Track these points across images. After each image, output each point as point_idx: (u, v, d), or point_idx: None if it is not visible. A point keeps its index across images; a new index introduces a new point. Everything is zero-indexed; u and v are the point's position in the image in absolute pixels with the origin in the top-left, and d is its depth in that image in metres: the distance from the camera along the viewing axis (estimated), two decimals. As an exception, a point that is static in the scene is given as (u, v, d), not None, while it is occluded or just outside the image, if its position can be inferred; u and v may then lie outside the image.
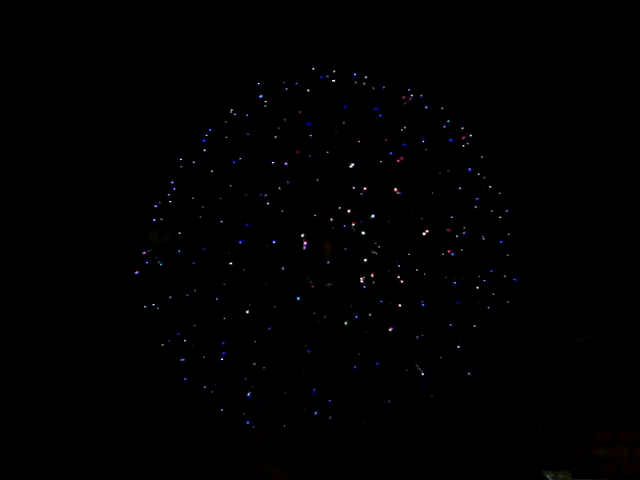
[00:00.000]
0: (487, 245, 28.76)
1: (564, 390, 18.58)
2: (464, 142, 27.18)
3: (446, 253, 28.03)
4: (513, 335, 28.42)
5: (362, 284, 27.80)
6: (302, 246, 29.02)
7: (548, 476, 18.81)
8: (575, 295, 19.85)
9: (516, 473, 20.73)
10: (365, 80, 28.65)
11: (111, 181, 33.79)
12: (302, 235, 28.57)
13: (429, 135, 28.60)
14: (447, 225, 28.18)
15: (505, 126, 31.09)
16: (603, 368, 18.22)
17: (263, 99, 27.84)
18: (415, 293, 29.14)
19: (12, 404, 25.55)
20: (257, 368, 29.49)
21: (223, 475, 22.62)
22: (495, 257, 27.97)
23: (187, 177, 31.24)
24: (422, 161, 27.24)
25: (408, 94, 29.41)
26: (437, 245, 28.30)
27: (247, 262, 29.63)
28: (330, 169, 28.16)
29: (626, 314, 18.18)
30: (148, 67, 33.68)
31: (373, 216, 26.84)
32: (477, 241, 27.60)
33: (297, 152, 26.63)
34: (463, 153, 27.68)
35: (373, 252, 28.65)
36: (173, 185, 29.93)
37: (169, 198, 31.51)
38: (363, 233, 27.29)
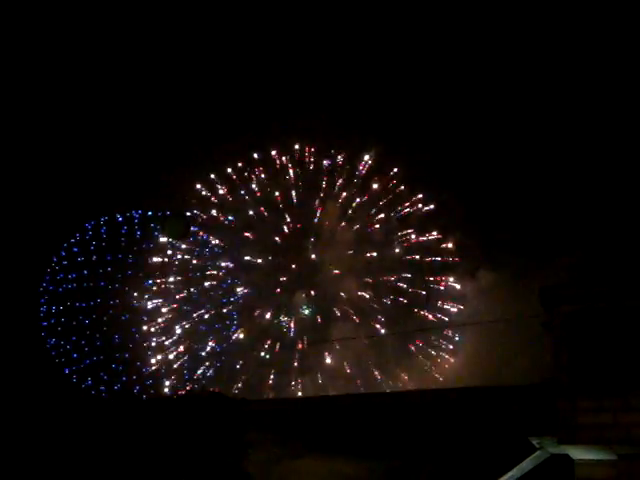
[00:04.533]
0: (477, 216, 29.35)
1: (550, 357, 18.82)
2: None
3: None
4: (500, 304, 28.73)
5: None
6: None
7: (534, 442, 19.08)
8: (562, 265, 20.08)
9: (503, 439, 21.03)
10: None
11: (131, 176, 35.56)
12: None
13: None
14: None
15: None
16: (589, 336, 18.44)
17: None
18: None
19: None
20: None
21: (214, 444, 22.91)
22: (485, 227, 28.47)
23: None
24: None
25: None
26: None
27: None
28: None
29: (612, 283, 18.38)
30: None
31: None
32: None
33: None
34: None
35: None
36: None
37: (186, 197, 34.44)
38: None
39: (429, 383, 40.73)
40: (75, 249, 44.07)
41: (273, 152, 42.83)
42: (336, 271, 37.47)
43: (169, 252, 42.12)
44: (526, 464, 19.45)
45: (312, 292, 39.47)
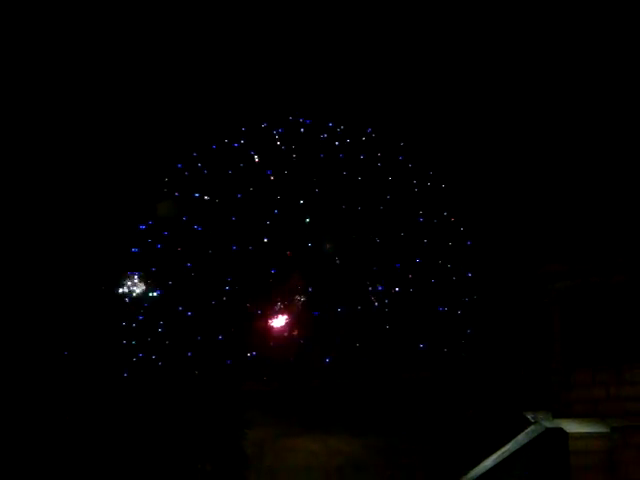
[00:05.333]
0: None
1: (544, 333, 19.07)
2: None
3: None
4: (496, 281, 28.99)
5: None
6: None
7: (529, 416, 19.34)
8: (555, 241, 20.29)
9: (498, 414, 21.34)
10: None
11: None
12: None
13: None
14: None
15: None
16: (582, 312, 18.70)
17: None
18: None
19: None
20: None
21: (214, 421, 23.10)
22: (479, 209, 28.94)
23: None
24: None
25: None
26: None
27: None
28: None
29: (604, 259, 18.62)
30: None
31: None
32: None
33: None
34: None
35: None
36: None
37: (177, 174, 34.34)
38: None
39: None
40: (61, 235, 42.15)
41: (263, 125, 39.46)
42: (336, 259, 35.43)
43: (150, 240, 39.10)
44: (521, 438, 19.71)
45: (309, 281, 37.52)
